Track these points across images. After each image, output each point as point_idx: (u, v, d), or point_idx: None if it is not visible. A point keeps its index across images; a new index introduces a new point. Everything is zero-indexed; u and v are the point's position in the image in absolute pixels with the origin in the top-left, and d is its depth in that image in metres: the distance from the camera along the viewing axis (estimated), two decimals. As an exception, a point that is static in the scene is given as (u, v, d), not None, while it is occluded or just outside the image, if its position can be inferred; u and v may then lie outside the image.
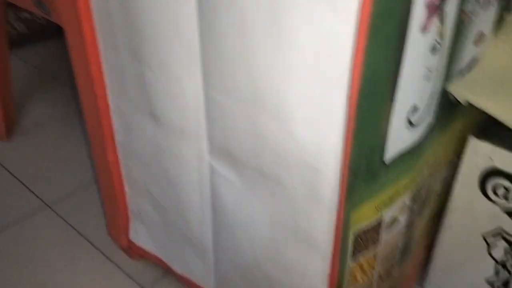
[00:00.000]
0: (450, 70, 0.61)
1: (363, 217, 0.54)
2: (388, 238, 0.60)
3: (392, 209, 0.57)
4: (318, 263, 0.55)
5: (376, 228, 0.57)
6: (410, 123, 0.52)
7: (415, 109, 0.52)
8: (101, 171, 0.87)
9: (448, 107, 0.63)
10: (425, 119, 0.55)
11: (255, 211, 0.59)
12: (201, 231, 0.73)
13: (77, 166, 1.21)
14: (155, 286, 0.90)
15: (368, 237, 0.56)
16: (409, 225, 0.66)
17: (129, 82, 0.68)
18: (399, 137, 0.51)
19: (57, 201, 1.10)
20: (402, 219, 0.62)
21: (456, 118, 0.69)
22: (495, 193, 0.72)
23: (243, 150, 0.56)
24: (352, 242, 0.55)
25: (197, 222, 0.72)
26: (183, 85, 0.59)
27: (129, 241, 0.92)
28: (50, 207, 1.09)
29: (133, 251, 0.94)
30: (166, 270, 0.90)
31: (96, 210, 1.08)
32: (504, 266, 0.77)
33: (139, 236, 0.89)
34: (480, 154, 0.70)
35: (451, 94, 0.62)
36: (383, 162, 0.51)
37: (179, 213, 0.75)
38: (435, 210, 0.82)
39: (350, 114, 0.44)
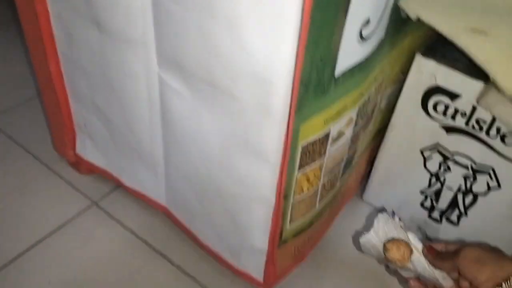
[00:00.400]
0: (403, -15, 0.60)
1: (311, 130, 0.56)
2: (334, 151, 0.63)
3: (339, 123, 0.59)
4: (267, 174, 0.57)
5: (323, 141, 0.59)
6: (362, 37, 0.52)
7: (367, 22, 0.51)
8: (43, 83, 0.83)
9: (398, 23, 0.64)
10: (377, 33, 0.56)
11: (206, 124, 0.59)
12: (151, 144, 0.72)
13: (17, 79, 1.14)
14: (105, 199, 0.91)
15: (315, 150, 0.58)
16: (354, 139, 0.69)
17: (69, -15, 0.63)
18: (350, 51, 0.52)
19: (-4, 115, 1.05)
20: (348, 133, 0.64)
21: (406, 35, 0.70)
22: (435, 110, 0.75)
23: (193, 61, 0.54)
24: (300, 154, 0.57)
25: (147, 136, 0.72)
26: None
27: (76, 155, 0.91)
28: (-12, 121, 1.04)
29: (81, 165, 0.92)
30: (116, 184, 0.90)
31: (39, 124, 1.04)
32: (437, 177, 0.83)
33: (86, 150, 0.88)
34: (425, 71, 0.73)
35: (402, 10, 0.62)
36: (334, 76, 0.52)
37: (127, 127, 0.74)
38: (378, 126, 0.85)
39: (303, 25, 0.43)
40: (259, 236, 0.65)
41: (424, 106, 0.76)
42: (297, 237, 0.70)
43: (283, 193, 0.58)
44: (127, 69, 0.64)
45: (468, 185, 0.79)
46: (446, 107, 0.74)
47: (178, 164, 0.69)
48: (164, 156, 0.72)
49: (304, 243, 0.75)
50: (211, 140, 0.60)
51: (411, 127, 0.80)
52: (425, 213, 0.89)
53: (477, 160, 0.76)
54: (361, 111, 0.64)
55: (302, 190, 0.62)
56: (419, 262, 0.53)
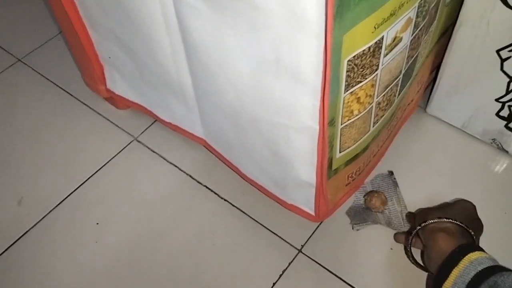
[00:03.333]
0: None
1: (359, 40, 0.44)
2: (389, 62, 0.52)
3: (394, 27, 0.47)
4: (306, 99, 0.47)
5: (374, 52, 0.47)
6: None
7: None
8: (61, 18, 0.75)
9: None
10: None
11: (230, 44, 0.49)
12: (178, 73, 0.64)
13: (39, 18, 1.08)
14: (146, 133, 0.86)
15: (365, 64, 0.48)
16: (414, 45, 0.57)
17: None
18: None
19: (27, 54, 1.01)
20: (406, 38, 0.52)
21: None
22: (517, -2, 0.61)
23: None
24: (345, 72, 0.46)
25: (171, 64, 0.63)
26: None
27: (109, 91, 0.85)
28: (20, 60, 0.99)
29: (116, 101, 0.87)
30: (154, 118, 0.85)
31: (69, 61, 0.99)
32: (518, 81, 0.69)
33: (116, 84, 0.82)
34: None
35: None
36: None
37: (149, 55, 0.65)
38: (443, 24, 0.71)
39: None
40: (305, 169, 0.57)
41: (503, -7, 0.62)
42: (350, 165, 0.61)
43: (327, 119, 0.48)
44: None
45: (558, 87, 0.66)
46: (532, -8, 0.59)
47: (208, 93, 0.61)
48: (193, 86, 0.64)
49: (359, 170, 0.66)
50: (237, 63, 0.50)
51: (485, 22, 0.66)
52: (501, 123, 0.76)
53: None
54: (421, 8, 0.52)
55: (352, 113, 0.52)
56: (393, 211, 0.70)
